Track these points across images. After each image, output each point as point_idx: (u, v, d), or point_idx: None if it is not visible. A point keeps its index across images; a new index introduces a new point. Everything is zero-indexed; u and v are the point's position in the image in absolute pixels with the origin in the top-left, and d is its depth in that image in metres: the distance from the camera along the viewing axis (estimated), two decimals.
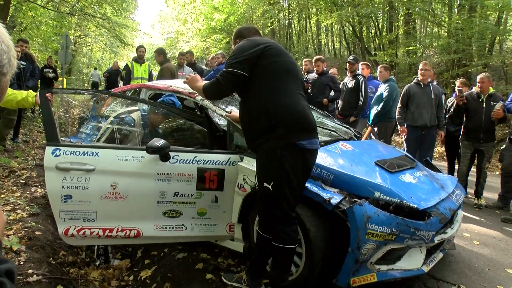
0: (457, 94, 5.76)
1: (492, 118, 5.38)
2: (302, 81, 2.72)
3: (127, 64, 8.83)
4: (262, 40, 2.64)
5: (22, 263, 3.31)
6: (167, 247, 3.85)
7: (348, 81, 6.90)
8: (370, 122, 6.64)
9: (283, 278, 2.71)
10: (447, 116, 6.13)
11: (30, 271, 3.22)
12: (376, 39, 17.44)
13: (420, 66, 5.96)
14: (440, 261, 3.26)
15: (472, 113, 5.61)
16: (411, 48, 14.30)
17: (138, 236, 3.18)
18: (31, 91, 3.33)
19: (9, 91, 3.35)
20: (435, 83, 6.39)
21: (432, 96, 5.76)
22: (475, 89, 5.69)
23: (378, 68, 6.85)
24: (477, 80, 5.63)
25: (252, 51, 2.51)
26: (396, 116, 6.09)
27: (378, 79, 6.86)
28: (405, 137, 6.02)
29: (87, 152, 3.03)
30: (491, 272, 3.45)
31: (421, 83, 5.84)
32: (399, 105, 6.06)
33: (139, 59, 8.64)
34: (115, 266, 3.90)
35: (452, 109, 5.91)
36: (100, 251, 3.70)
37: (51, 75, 11.17)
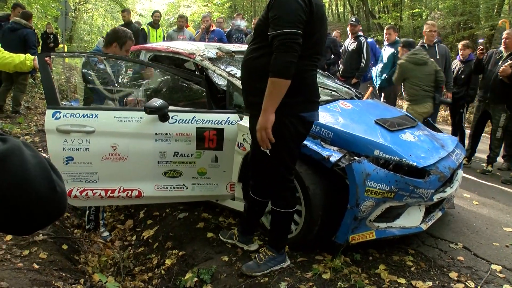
0: (478, 47, 5.54)
1: (499, 76, 5.02)
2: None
3: (143, 28, 8.68)
4: None
5: None
6: (168, 207, 3.91)
7: (350, 43, 6.78)
8: (378, 86, 6.54)
9: (281, 239, 2.74)
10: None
11: None
12: (381, 1, 17.03)
13: (426, 27, 5.81)
14: (439, 220, 3.30)
15: (487, 71, 5.32)
16: (416, 10, 13.98)
17: (140, 197, 3.21)
18: (28, 54, 3.28)
19: (6, 54, 3.31)
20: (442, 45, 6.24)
21: (438, 57, 5.60)
22: (502, 48, 5.28)
23: (386, 30, 6.65)
24: (503, 35, 5.31)
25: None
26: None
27: (386, 41, 6.66)
28: None
29: (87, 114, 3.03)
30: (488, 230, 3.49)
31: (426, 44, 5.72)
32: None
33: (154, 24, 8.51)
34: (119, 228, 3.97)
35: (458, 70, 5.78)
36: (91, 217, 3.73)
37: (50, 45, 11.09)
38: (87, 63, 3.39)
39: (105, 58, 3.52)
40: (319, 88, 2.64)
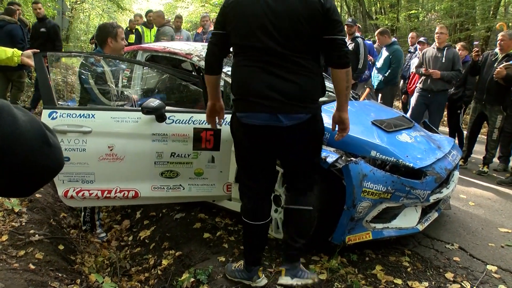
0: (473, 50, 5.56)
1: (495, 78, 5.04)
2: None
3: (137, 29, 8.68)
4: None
5: (24, 223, 3.37)
6: (165, 208, 3.90)
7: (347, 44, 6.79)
8: (375, 87, 6.57)
9: (246, 259, 2.57)
10: None
11: (31, 231, 3.28)
12: (377, 3, 17.07)
13: (437, 29, 5.80)
14: (435, 220, 3.32)
15: (483, 73, 5.36)
16: (413, 12, 14.03)
17: (136, 197, 3.20)
18: (16, 49, 3.18)
19: None
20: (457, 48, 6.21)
21: (443, 61, 5.56)
22: (497, 50, 5.34)
23: (377, 35, 6.72)
24: (498, 37, 5.36)
25: None
26: (415, 70, 6.02)
27: (378, 43, 6.70)
28: (411, 98, 5.96)
29: (84, 114, 3.01)
30: (484, 231, 3.51)
31: (435, 47, 5.72)
32: (415, 65, 6.00)
33: (149, 24, 8.51)
34: (115, 228, 3.97)
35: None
36: (86, 218, 3.72)
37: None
38: (85, 64, 3.37)
39: (101, 58, 3.52)
40: None
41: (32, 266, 2.79)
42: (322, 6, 2.09)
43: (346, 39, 6.77)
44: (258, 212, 2.47)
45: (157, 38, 7.48)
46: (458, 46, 6.24)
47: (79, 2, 27.50)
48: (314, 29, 2.13)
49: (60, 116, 2.98)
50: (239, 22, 2.22)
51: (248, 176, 2.48)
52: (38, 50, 3.18)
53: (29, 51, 3.15)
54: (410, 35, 8.00)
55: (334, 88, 2.32)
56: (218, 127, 2.79)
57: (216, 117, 2.63)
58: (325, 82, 2.43)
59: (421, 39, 7.06)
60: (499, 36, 5.30)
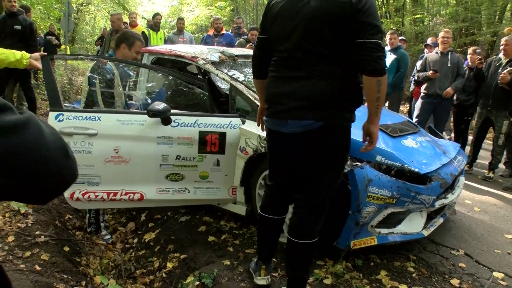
0: (476, 57, 5.54)
1: (499, 83, 5.05)
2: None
3: (143, 32, 8.66)
4: None
5: (30, 225, 3.38)
6: (170, 210, 3.91)
7: None
8: None
9: (258, 253, 2.68)
10: None
11: (37, 232, 3.29)
12: (383, 6, 17.07)
13: (441, 34, 5.75)
14: (440, 226, 3.30)
15: (488, 78, 5.33)
16: (418, 16, 14.00)
17: (142, 200, 3.21)
18: (24, 52, 3.21)
19: (0, 50, 3.28)
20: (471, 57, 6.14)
21: (449, 65, 5.53)
22: (501, 55, 5.34)
23: (389, 35, 6.51)
24: (501, 42, 5.35)
25: None
26: (416, 77, 5.93)
27: (389, 46, 6.60)
28: (416, 101, 5.92)
29: (90, 117, 3.03)
30: (490, 237, 3.49)
31: (439, 51, 5.68)
32: (418, 69, 5.97)
33: (155, 27, 8.50)
34: (120, 230, 3.98)
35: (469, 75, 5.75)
36: (91, 220, 3.74)
37: (54, 42, 11.07)
38: (95, 69, 3.40)
39: (108, 61, 3.54)
40: None
41: (38, 267, 2.80)
42: (353, 6, 1.93)
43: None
44: (271, 206, 2.50)
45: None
46: (469, 50, 6.16)
47: (84, 4, 27.67)
48: (340, 31, 2.00)
49: (66, 119, 3.00)
50: (274, 27, 2.22)
51: (269, 175, 2.52)
52: (46, 54, 3.21)
53: (37, 54, 3.18)
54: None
55: (365, 97, 2.16)
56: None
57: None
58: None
59: (429, 42, 7.02)
60: (502, 41, 5.30)
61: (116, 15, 7.59)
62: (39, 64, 3.12)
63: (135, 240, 3.75)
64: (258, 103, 2.49)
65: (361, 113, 3.25)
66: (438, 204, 3.03)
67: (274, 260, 2.86)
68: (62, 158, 0.70)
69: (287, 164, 2.35)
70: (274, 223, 2.52)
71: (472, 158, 5.67)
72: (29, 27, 6.36)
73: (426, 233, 3.04)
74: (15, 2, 6.29)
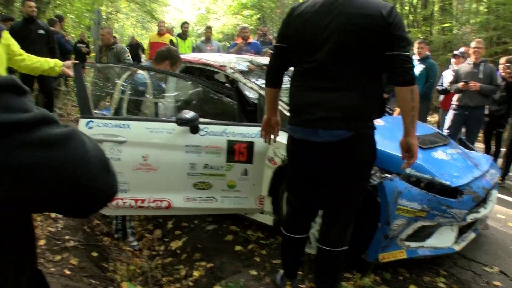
0: (507, 71, 5.41)
1: None
2: None
3: (171, 40, 8.81)
4: None
5: (60, 229, 3.46)
6: (197, 219, 3.92)
7: None
8: None
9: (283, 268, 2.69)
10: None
11: (67, 237, 3.36)
12: (410, 15, 16.86)
13: (473, 44, 5.63)
14: (472, 241, 3.20)
15: None
16: (447, 25, 13.76)
17: (169, 207, 3.24)
18: (58, 60, 3.29)
19: (34, 58, 3.37)
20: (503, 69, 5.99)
21: (481, 76, 5.39)
22: None
23: (417, 44, 6.38)
24: None
25: None
26: (446, 87, 5.88)
27: (417, 56, 6.49)
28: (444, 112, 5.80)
29: (119, 124, 3.09)
30: None
31: (471, 62, 5.55)
32: (449, 81, 5.84)
33: (183, 35, 8.59)
34: (147, 237, 4.01)
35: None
36: (118, 226, 3.79)
37: (84, 50, 11.37)
38: (129, 78, 3.48)
39: (138, 70, 3.60)
40: None
41: (67, 272, 2.85)
42: (384, 20, 1.99)
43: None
44: (294, 225, 2.49)
45: (118, 59, 6.51)
46: (501, 60, 5.97)
47: (114, 13, 28.32)
48: (372, 44, 2.04)
49: (96, 126, 3.06)
50: (298, 36, 2.22)
51: (291, 190, 2.51)
52: (78, 61, 3.30)
53: (69, 62, 3.28)
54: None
55: (400, 111, 2.21)
56: (273, 143, 2.74)
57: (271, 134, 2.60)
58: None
59: (456, 52, 6.87)
60: None
61: (106, 29, 7.39)
62: (71, 72, 3.21)
63: (162, 248, 3.78)
64: (287, 113, 2.46)
65: (389, 123, 3.20)
66: (469, 218, 2.95)
67: (301, 272, 2.84)
68: (103, 173, 0.71)
69: (310, 172, 2.35)
70: (298, 242, 2.54)
71: (505, 171, 5.51)
72: (50, 30, 6.45)
73: (457, 248, 2.96)
74: (35, 7, 6.27)
